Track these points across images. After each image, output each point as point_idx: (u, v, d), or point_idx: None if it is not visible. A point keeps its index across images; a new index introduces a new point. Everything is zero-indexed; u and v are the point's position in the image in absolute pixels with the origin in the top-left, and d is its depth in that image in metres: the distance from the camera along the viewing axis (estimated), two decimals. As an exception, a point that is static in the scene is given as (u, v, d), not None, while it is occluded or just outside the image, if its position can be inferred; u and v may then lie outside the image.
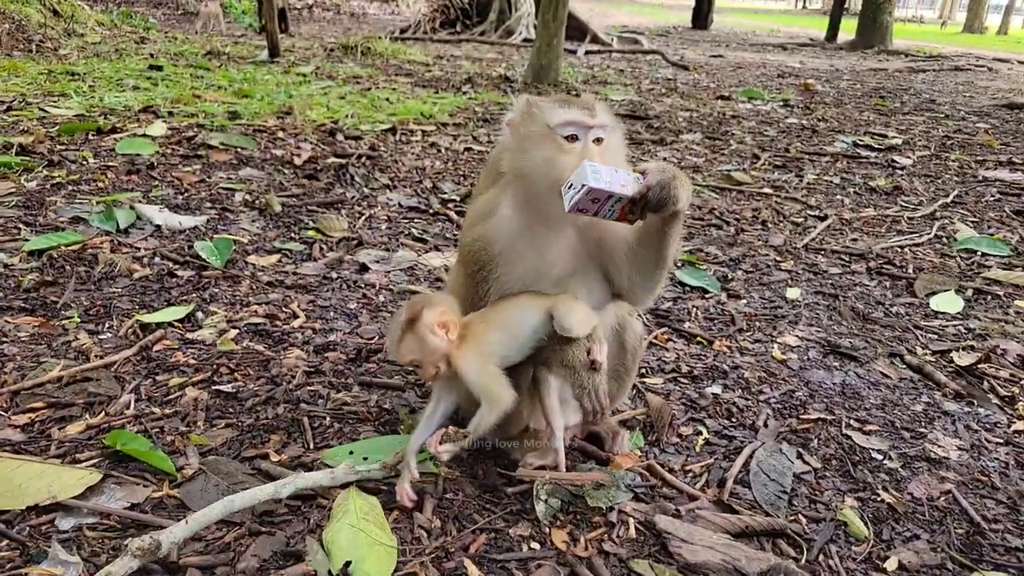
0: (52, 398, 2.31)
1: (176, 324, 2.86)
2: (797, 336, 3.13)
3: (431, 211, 4.52)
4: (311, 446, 2.19)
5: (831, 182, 5.74)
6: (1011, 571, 1.85)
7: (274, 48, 10.44)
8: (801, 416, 2.51)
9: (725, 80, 11.86)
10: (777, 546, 1.90)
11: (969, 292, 3.67)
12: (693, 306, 3.39)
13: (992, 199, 5.43)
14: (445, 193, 4.85)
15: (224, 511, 1.79)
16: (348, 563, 1.68)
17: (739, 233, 4.45)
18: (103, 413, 2.26)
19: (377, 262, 3.65)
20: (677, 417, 2.46)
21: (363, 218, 4.27)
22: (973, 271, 3.98)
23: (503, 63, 12.33)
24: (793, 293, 3.60)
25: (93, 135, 5.38)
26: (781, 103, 9.51)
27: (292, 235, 3.94)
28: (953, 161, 6.61)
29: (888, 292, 3.68)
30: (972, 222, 4.86)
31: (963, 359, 2.95)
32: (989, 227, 4.77)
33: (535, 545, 1.84)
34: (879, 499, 2.10)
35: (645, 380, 2.70)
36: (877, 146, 7.02)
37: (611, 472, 2.12)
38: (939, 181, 5.90)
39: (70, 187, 4.30)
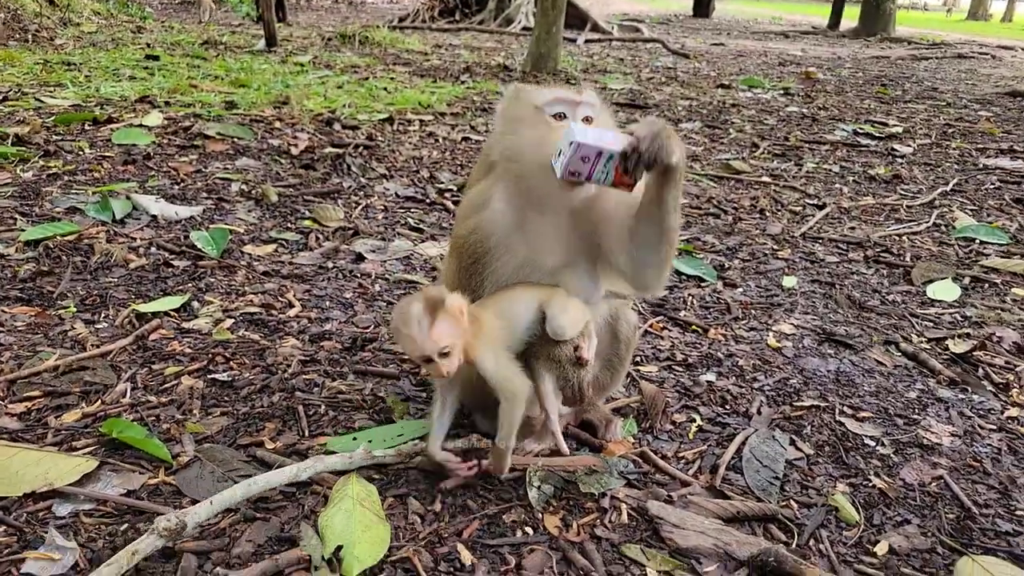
0: (49, 387, 2.32)
1: (172, 313, 2.86)
2: (792, 324, 3.13)
3: (428, 201, 4.51)
4: (306, 434, 2.20)
5: (830, 170, 5.73)
6: (1000, 555, 1.86)
7: (271, 37, 10.41)
8: (795, 403, 2.52)
9: (726, 68, 11.81)
10: (768, 531, 1.91)
11: (966, 280, 3.67)
12: (689, 295, 3.40)
13: (992, 187, 5.42)
14: (442, 183, 4.84)
15: (245, 493, 1.82)
16: (339, 547, 1.70)
17: (737, 222, 4.45)
18: (99, 401, 2.27)
19: (373, 251, 3.65)
20: (671, 405, 2.47)
21: (359, 208, 4.27)
22: (971, 259, 3.98)
23: (502, 52, 12.28)
24: (790, 281, 3.60)
25: (89, 125, 5.37)
26: (782, 91, 9.48)
27: (288, 225, 3.94)
28: (954, 149, 6.59)
29: (885, 280, 3.68)
30: (971, 210, 4.85)
31: (958, 346, 2.95)
32: (988, 215, 4.77)
33: (528, 530, 1.86)
34: (871, 485, 2.11)
35: (639, 368, 2.71)
36: (877, 134, 7.00)
37: (604, 459, 2.14)
38: (939, 169, 5.89)
39: (66, 177, 4.30)
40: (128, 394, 2.32)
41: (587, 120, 1.91)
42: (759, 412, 2.46)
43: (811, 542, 1.88)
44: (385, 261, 3.57)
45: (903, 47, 17.60)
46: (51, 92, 6.40)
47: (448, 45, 12.90)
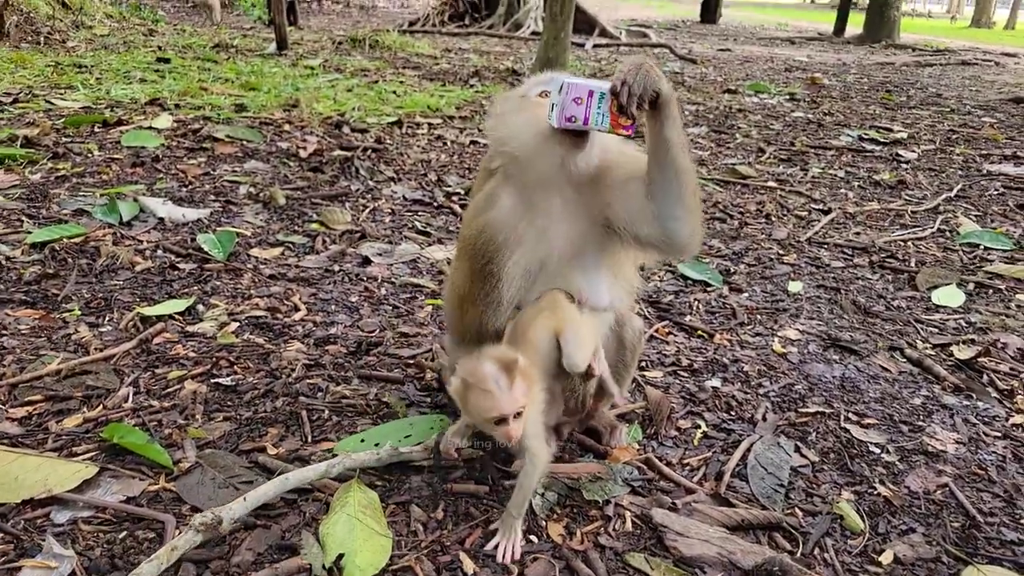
0: (50, 391, 2.32)
1: (177, 317, 2.87)
2: (798, 330, 3.12)
3: (435, 204, 4.52)
4: (309, 439, 2.20)
5: (836, 176, 5.70)
6: (1006, 564, 1.84)
7: (282, 41, 10.45)
8: (800, 409, 2.51)
9: (732, 74, 11.79)
10: (773, 539, 1.90)
11: (971, 286, 3.65)
12: (695, 300, 3.39)
13: (996, 193, 5.39)
14: (450, 186, 4.85)
15: (278, 489, 1.86)
16: (341, 556, 1.69)
17: (743, 227, 4.44)
18: (101, 406, 2.27)
19: (380, 255, 3.65)
20: (676, 411, 2.46)
21: (367, 211, 4.28)
22: (975, 265, 3.96)
23: (511, 56, 12.29)
24: (795, 287, 3.58)
25: (99, 127, 5.40)
26: (787, 97, 9.45)
27: (296, 228, 3.95)
28: (958, 155, 6.55)
29: (890, 286, 3.66)
30: (975, 216, 4.82)
31: (963, 353, 2.93)
32: (992, 221, 4.74)
33: (532, 538, 1.85)
34: (876, 492, 2.09)
35: (645, 374, 2.70)
36: (882, 140, 6.97)
37: (608, 465, 2.13)
38: (943, 175, 5.86)
39: (74, 179, 4.32)
40: (130, 399, 2.32)
41: None
42: (764, 418, 2.45)
43: (816, 551, 1.87)
44: (392, 265, 3.57)
45: (907, 54, 17.53)
46: (61, 94, 6.44)
47: (458, 49, 12.93)
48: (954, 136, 7.37)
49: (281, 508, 1.89)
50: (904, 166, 6.10)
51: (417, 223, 4.16)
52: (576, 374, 1.89)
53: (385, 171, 5.03)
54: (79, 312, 2.85)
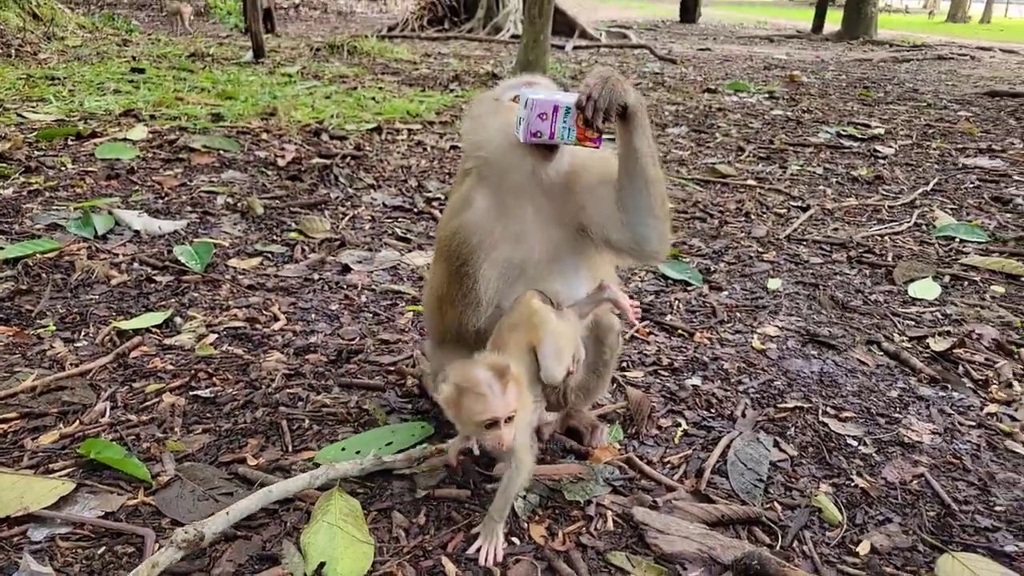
0: (25, 408, 2.29)
1: (154, 330, 2.85)
2: (777, 326, 3.15)
3: (415, 210, 4.51)
4: (289, 449, 2.19)
5: (814, 173, 5.76)
6: (980, 551, 1.87)
7: (259, 49, 10.40)
8: (779, 405, 2.53)
9: (712, 73, 11.88)
10: (752, 534, 1.92)
11: (946, 278, 3.70)
12: (675, 299, 3.41)
13: (971, 186, 5.46)
14: (430, 192, 4.84)
15: (261, 502, 1.85)
16: (322, 564, 1.69)
17: (722, 225, 4.47)
18: (77, 422, 2.25)
19: (360, 262, 3.65)
20: (656, 410, 2.48)
21: (346, 218, 4.27)
22: (951, 258, 4.01)
23: (491, 60, 12.31)
24: (774, 284, 3.61)
25: (72, 140, 5.35)
26: (767, 95, 9.54)
27: (274, 237, 3.93)
28: (934, 149, 6.64)
29: (867, 280, 3.70)
30: (951, 209, 4.89)
31: (939, 344, 2.97)
32: (968, 214, 4.80)
33: (514, 540, 1.85)
34: (853, 484, 2.12)
35: (625, 374, 2.71)
36: (860, 136, 7.05)
37: (589, 466, 2.14)
38: (920, 169, 5.94)
39: (47, 193, 4.28)
40: (107, 413, 2.30)
41: None
42: (744, 415, 2.47)
43: (795, 544, 1.89)
44: (372, 272, 3.56)
45: (885, 49, 17.74)
46: (34, 107, 6.37)
47: (437, 54, 12.93)
48: (930, 131, 7.47)
49: (262, 518, 1.88)
50: (881, 161, 6.17)
51: (397, 229, 4.16)
52: (553, 385, 1.91)
53: (364, 178, 5.03)
54: (54, 328, 2.83)
